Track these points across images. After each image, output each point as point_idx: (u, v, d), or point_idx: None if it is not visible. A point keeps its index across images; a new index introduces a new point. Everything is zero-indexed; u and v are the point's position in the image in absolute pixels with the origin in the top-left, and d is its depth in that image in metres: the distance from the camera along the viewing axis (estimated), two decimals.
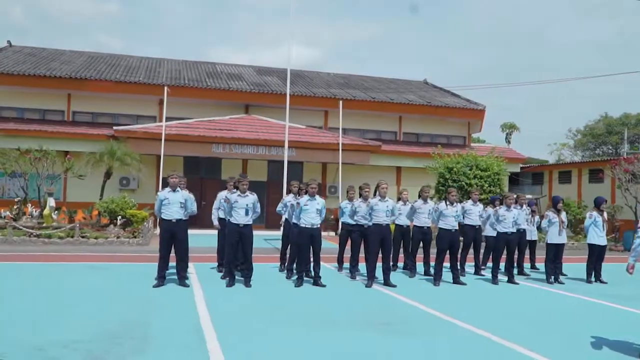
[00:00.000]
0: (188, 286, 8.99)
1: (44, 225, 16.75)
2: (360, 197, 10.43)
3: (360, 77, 30.92)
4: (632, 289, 10.23)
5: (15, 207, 18.08)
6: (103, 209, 17.75)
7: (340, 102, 21.93)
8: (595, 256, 10.99)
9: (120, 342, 5.57)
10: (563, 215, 11.10)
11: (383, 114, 25.90)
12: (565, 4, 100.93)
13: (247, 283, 9.24)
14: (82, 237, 15.73)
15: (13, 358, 4.98)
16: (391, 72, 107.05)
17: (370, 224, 9.81)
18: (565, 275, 11.49)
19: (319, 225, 9.58)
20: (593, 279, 11.04)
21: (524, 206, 11.67)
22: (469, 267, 11.92)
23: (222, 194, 10.44)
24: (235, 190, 9.67)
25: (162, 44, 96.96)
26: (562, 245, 11.04)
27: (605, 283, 10.90)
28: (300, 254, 9.67)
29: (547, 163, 36.65)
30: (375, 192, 10.02)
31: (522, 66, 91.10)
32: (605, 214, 11.15)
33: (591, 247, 11.05)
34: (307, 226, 9.49)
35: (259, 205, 9.50)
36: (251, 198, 9.32)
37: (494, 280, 10.55)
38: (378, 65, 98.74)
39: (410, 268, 11.35)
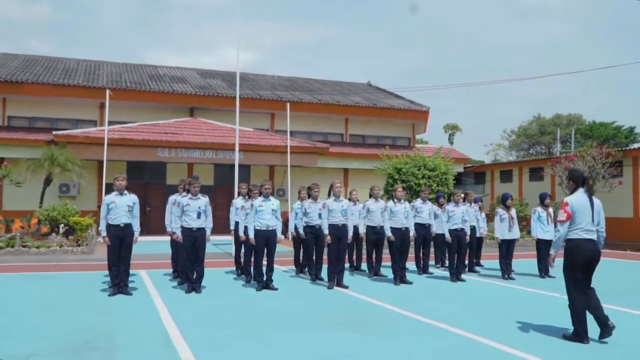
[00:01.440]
0: (131, 294, 8.68)
1: None
2: (309, 197, 10.38)
3: (306, 80, 30.91)
4: None
5: None
6: (44, 217, 16.98)
7: (288, 104, 21.86)
8: (543, 251, 11.32)
9: (84, 354, 5.29)
10: (513, 211, 11.39)
11: (329, 116, 25.98)
12: (498, 9, 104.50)
13: (198, 288, 9.02)
14: (23, 246, 15.00)
15: None
16: (332, 75, 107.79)
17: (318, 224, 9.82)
18: (512, 271, 11.79)
19: (274, 227, 9.44)
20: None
21: (473, 203, 11.95)
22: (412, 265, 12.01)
23: (173, 198, 10.13)
24: (186, 193, 9.43)
25: (98, 48, 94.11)
26: (513, 241, 11.33)
27: (554, 277, 11.24)
28: (256, 257, 9.51)
29: (484, 163, 37.69)
30: (329, 192, 10.00)
31: (458, 68, 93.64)
32: (550, 209, 11.50)
33: (538, 242, 11.38)
34: (262, 228, 9.32)
35: (210, 208, 9.29)
36: (203, 201, 9.12)
37: (452, 278, 10.65)
38: (318, 69, 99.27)
39: (368, 268, 11.39)
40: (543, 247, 11.28)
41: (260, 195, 9.56)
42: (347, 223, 9.80)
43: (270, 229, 9.39)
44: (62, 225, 16.57)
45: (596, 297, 6.12)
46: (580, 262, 6.08)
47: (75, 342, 5.71)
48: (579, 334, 6.06)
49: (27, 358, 5.09)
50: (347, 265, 11.80)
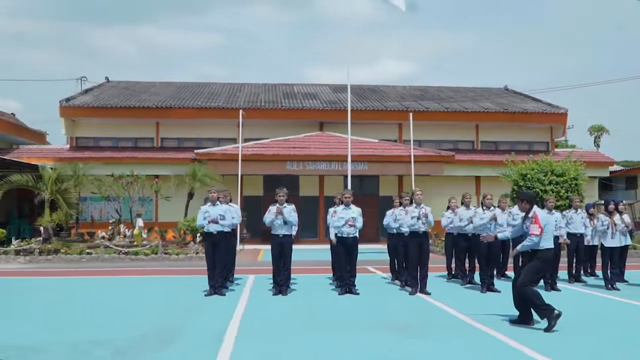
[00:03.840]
0: (224, 295, 9.62)
1: (134, 243, 18.25)
2: (400, 205, 10.64)
3: (438, 88, 30.77)
4: None
5: (110, 228, 19.81)
6: (185, 227, 19.09)
7: (410, 114, 22.12)
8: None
9: (147, 341, 6.27)
10: (616, 217, 10.60)
11: (458, 124, 25.69)
12: None
13: (285, 292, 9.72)
14: (165, 253, 16.98)
15: (51, 352, 5.83)
16: (486, 81, 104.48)
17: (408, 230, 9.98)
18: (626, 281, 11.05)
19: (354, 235, 9.88)
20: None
21: (579, 210, 11.39)
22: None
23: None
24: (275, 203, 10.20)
25: (262, 69, 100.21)
26: (618, 249, 10.63)
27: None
28: (337, 263, 10.01)
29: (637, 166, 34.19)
30: (411, 199, 10.21)
31: (624, 66, 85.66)
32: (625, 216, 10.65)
33: None
34: (343, 235, 9.83)
35: (293, 215, 9.91)
36: (288, 208, 9.81)
37: (547, 287, 10.28)
38: (472, 75, 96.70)
39: (461, 276, 11.36)
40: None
41: (341, 204, 10.08)
42: (427, 230, 9.94)
43: (351, 236, 9.85)
44: (199, 234, 18.42)
45: None
46: (548, 265, 7.76)
47: (150, 332, 6.73)
48: (546, 311, 6.83)
49: (100, 342, 6.19)
50: (445, 273, 11.98)
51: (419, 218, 9.82)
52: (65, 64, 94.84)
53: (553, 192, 17.98)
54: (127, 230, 19.52)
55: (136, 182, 19.85)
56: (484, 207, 10.35)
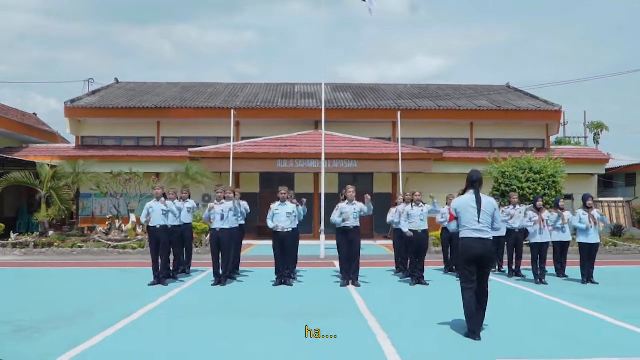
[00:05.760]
0: (167, 285, 10.29)
1: (128, 238, 19.18)
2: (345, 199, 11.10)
3: (438, 86, 31.01)
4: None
5: (107, 223, 20.82)
6: None
7: (399, 112, 22.48)
8: (586, 255, 10.74)
9: (52, 321, 7.04)
10: (545, 214, 10.96)
11: (453, 122, 25.92)
12: None
13: (224, 282, 10.37)
14: None
15: None
16: (517, 76, 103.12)
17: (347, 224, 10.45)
18: (566, 276, 11.36)
19: (289, 229, 10.42)
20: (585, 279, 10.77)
21: (517, 206, 11.74)
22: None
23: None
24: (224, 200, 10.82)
25: (294, 67, 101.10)
26: (545, 244, 10.93)
27: (597, 284, 10.59)
28: (275, 256, 10.57)
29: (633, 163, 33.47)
30: (344, 196, 10.71)
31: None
32: (594, 211, 10.81)
33: (580, 245, 10.85)
34: (278, 230, 10.40)
35: (241, 209, 10.60)
36: (227, 205, 10.42)
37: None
38: (503, 71, 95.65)
39: (403, 270, 11.80)
40: (585, 251, 10.74)
41: (278, 201, 10.66)
42: (358, 225, 10.43)
43: (286, 230, 10.42)
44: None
45: (482, 296, 6.34)
46: (468, 258, 6.36)
47: (63, 314, 7.49)
48: (469, 330, 6.23)
49: (10, 322, 6.96)
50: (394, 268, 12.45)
51: (353, 213, 10.35)
52: (101, 64, 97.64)
53: (530, 189, 18.23)
54: (123, 225, 20.51)
55: (134, 179, 20.76)
56: (413, 204, 10.78)
